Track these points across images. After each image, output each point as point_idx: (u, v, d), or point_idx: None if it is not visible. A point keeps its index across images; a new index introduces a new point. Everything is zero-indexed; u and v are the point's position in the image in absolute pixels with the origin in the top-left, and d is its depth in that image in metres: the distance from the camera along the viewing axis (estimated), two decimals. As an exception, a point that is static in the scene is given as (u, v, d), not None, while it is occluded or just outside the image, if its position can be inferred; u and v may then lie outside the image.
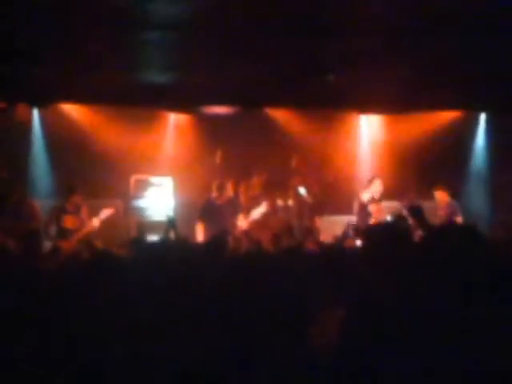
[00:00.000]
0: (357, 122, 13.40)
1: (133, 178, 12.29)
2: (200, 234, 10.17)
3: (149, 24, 8.47)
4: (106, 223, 10.24)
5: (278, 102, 12.56)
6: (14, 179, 10.71)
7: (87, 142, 12.25)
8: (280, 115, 12.90)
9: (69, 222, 10.15)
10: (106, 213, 10.29)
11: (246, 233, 9.68)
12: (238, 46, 9.30)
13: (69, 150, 12.09)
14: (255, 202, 11.58)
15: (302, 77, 10.81)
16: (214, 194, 10.47)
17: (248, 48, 9.37)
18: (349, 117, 13.24)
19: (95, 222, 10.13)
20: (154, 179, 12.43)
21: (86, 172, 11.81)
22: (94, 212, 10.24)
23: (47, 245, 9.21)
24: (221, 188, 10.46)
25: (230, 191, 10.71)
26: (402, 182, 11.98)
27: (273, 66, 10.33)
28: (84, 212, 10.29)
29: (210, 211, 10.37)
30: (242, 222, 10.34)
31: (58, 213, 10.18)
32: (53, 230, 10.10)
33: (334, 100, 12.09)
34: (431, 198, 11.26)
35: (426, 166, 12.41)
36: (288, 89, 11.43)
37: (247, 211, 10.86)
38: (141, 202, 12.29)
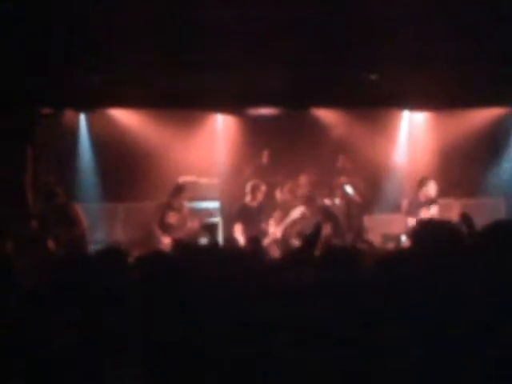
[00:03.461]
0: (402, 120, 13.27)
1: (180, 180, 12.37)
2: (240, 235, 10.33)
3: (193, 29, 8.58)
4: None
5: (322, 103, 12.53)
6: (60, 184, 10.85)
7: (134, 146, 12.36)
8: (325, 115, 12.87)
9: (173, 218, 10.54)
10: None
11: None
12: (282, 46, 9.34)
13: (115, 154, 12.25)
14: (302, 202, 11.61)
15: (346, 77, 10.81)
16: (248, 197, 10.63)
17: (292, 49, 9.41)
18: (394, 114, 13.11)
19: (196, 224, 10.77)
20: (201, 181, 12.50)
21: (133, 175, 11.98)
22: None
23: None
24: (254, 191, 10.62)
25: (262, 193, 10.81)
26: (447, 180, 11.85)
27: (317, 67, 10.34)
28: (185, 211, 10.81)
29: (245, 214, 10.52)
30: (276, 229, 10.46)
31: (165, 209, 10.51)
32: (156, 225, 10.65)
33: (378, 99, 12.03)
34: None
35: (472, 163, 12.28)
36: (332, 89, 11.42)
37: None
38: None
